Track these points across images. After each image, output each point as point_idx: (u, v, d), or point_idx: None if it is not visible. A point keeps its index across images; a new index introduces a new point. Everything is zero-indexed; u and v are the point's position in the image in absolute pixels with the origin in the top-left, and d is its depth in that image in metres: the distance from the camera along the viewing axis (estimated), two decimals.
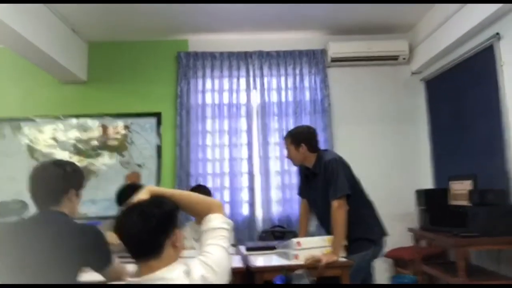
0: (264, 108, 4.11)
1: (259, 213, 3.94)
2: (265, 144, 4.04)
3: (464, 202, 3.00)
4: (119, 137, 4.07)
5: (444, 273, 3.04)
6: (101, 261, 1.55)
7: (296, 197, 3.77)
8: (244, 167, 4.02)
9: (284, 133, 2.71)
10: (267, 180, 3.98)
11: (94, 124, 4.07)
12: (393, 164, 4.13)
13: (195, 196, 1.44)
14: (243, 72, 4.15)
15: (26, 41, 3.08)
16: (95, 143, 4.04)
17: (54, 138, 4.03)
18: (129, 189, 2.28)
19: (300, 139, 2.49)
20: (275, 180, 4.00)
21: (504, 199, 2.83)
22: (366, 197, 2.49)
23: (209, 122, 4.07)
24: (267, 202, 3.94)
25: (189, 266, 1.21)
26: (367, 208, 2.47)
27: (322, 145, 2.69)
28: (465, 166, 3.47)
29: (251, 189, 3.96)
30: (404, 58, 4.18)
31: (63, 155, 3.95)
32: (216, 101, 4.10)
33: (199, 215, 1.41)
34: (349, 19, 3.96)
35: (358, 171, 2.50)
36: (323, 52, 4.20)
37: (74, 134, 4.05)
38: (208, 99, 4.12)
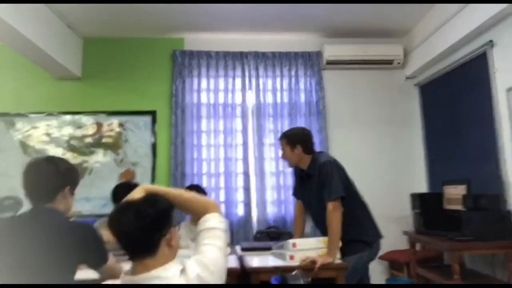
0: (259, 108, 4.11)
1: (254, 214, 3.93)
2: (260, 144, 4.04)
3: (458, 207, 3.03)
4: (114, 134, 4.04)
5: (439, 276, 3.06)
6: (97, 258, 1.54)
7: (291, 198, 3.78)
8: (239, 168, 4.01)
9: (279, 134, 2.71)
10: (262, 180, 3.98)
11: (88, 121, 4.04)
12: (388, 167, 4.16)
13: (191, 195, 1.44)
14: (238, 72, 4.15)
15: (21, 36, 3.06)
16: (89, 140, 4.01)
17: (47, 135, 3.98)
18: (124, 187, 2.27)
19: (296, 140, 2.49)
20: (270, 181, 4.01)
21: (497, 204, 2.86)
22: (361, 199, 2.50)
23: (204, 122, 4.07)
24: (262, 202, 3.94)
25: (184, 265, 1.20)
26: (362, 210, 2.47)
27: (317, 147, 2.69)
28: (459, 170, 3.50)
29: (246, 190, 3.96)
30: (398, 63, 4.22)
31: (57, 151, 3.91)
32: (212, 101, 4.10)
33: (195, 214, 1.40)
34: (345, 22, 3.98)
35: (353, 173, 2.50)
36: (319, 54, 4.22)
37: (68, 131, 4.01)
38: (204, 99, 4.11)
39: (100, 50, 4.18)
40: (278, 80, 4.18)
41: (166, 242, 1.20)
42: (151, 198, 1.26)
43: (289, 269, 1.97)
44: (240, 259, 2.32)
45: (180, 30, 4.10)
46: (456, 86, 3.65)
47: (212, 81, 4.13)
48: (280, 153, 2.62)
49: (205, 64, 4.13)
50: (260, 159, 4.02)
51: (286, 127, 3.91)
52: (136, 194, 1.29)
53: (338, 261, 2.18)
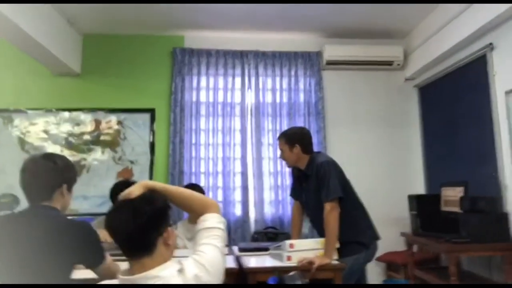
0: (258, 108, 4.11)
1: (252, 214, 3.93)
2: (258, 144, 4.04)
3: (456, 209, 3.03)
4: (112, 132, 4.02)
5: (436, 278, 3.08)
6: (94, 258, 1.53)
7: (289, 198, 3.79)
8: (238, 167, 4.01)
9: (278, 134, 2.71)
10: (260, 180, 3.97)
11: (86, 118, 4.02)
12: (386, 168, 4.16)
13: (191, 193, 1.43)
14: (238, 71, 4.14)
15: (21, 31, 3.04)
16: (87, 137, 3.99)
17: (45, 131, 3.97)
18: (123, 185, 2.25)
19: (294, 139, 2.48)
20: (268, 181, 4.00)
21: (494, 206, 2.87)
22: (358, 200, 2.50)
23: (203, 120, 4.06)
24: (260, 202, 3.93)
25: (182, 265, 1.20)
26: (359, 211, 2.47)
27: (315, 148, 2.69)
28: (457, 172, 3.51)
29: (244, 189, 3.96)
30: (398, 64, 4.22)
31: (55, 148, 3.89)
32: (211, 99, 4.09)
33: (194, 212, 1.40)
34: (346, 23, 3.98)
35: (351, 174, 2.50)
36: (319, 54, 4.22)
37: (66, 127, 3.99)
38: (203, 97, 4.10)
39: (99, 46, 4.16)
40: (277, 79, 4.17)
41: (163, 241, 1.20)
42: (148, 196, 1.25)
43: (287, 269, 1.98)
44: (238, 259, 2.32)
45: (181, 27, 4.09)
46: (455, 88, 3.65)
47: (211, 79, 4.12)
48: (278, 152, 2.62)
49: (205, 62, 4.12)
50: (258, 158, 4.01)
51: (285, 127, 3.91)
52: (135, 190, 1.29)
53: (335, 262, 2.18)
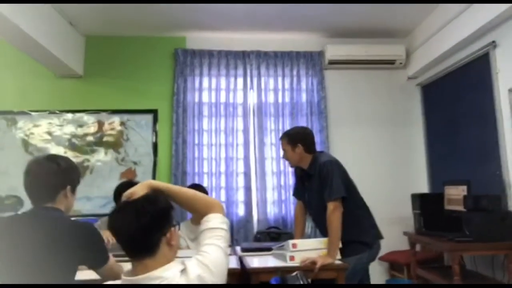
0: (260, 108, 4.11)
1: (254, 214, 3.94)
2: (261, 144, 4.04)
3: (459, 207, 3.02)
4: (115, 133, 4.04)
5: (439, 278, 3.07)
6: (97, 259, 1.54)
7: (292, 198, 3.78)
8: (240, 167, 4.01)
9: (280, 134, 2.71)
10: (263, 180, 3.98)
11: (90, 120, 4.04)
12: (389, 167, 4.16)
13: (195, 193, 1.43)
14: (240, 71, 4.15)
15: (23, 33, 3.05)
16: (90, 139, 4.01)
17: (49, 133, 3.98)
18: (126, 186, 2.25)
19: (297, 139, 2.48)
20: (271, 181, 4.00)
21: (498, 204, 2.86)
22: (361, 200, 2.49)
23: (205, 121, 4.07)
24: (262, 202, 3.94)
25: (185, 265, 1.20)
26: (362, 211, 2.47)
27: (318, 147, 2.69)
28: (460, 171, 3.50)
29: (247, 189, 3.96)
30: (400, 63, 4.21)
31: (58, 150, 3.90)
32: (213, 100, 4.09)
33: (198, 212, 1.40)
34: (347, 22, 3.98)
35: (354, 174, 2.50)
36: (321, 54, 4.21)
37: (69, 129, 4.01)
38: (205, 98, 4.11)
39: (102, 48, 4.18)
40: (279, 79, 4.17)
41: (166, 242, 1.20)
42: (151, 197, 1.25)
43: (289, 270, 1.97)
44: (240, 259, 2.32)
45: (182, 28, 4.09)
46: (458, 86, 3.64)
47: (213, 80, 4.13)
48: (281, 152, 2.62)
49: (207, 63, 4.12)
50: (261, 158, 4.02)
51: (287, 127, 3.91)
52: (139, 190, 1.30)
53: (338, 262, 2.18)
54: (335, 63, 4.14)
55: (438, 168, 3.94)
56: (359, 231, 2.38)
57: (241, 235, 3.82)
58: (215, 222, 1.33)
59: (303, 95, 4.18)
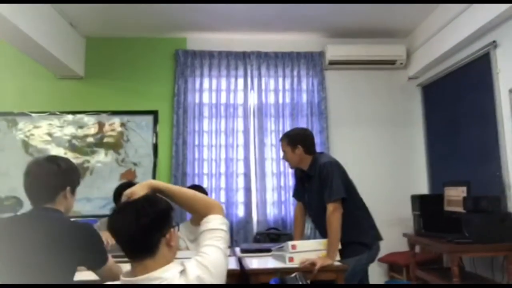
0: (261, 109, 4.11)
1: (254, 215, 3.94)
2: (261, 145, 4.04)
3: (459, 208, 3.01)
4: (115, 134, 4.04)
5: (439, 279, 3.06)
6: (96, 260, 1.54)
7: (291, 199, 3.78)
8: (240, 168, 4.01)
9: (281, 135, 2.71)
10: (262, 181, 3.98)
11: (90, 121, 4.04)
12: (389, 168, 4.15)
13: (195, 194, 1.43)
14: (241, 72, 4.15)
15: (23, 34, 3.05)
16: (90, 140, 4.01)
17: (49, 134, 3.99)
18: (126, 187, 2.25)
19: (297, 140, 2.48)
20: (270, 182, 4.00)
21: (498, 206, 2.85)
22: (361, 201, 2.49)
23: (206, 122, 4.07)
24: (262, 203, 3.94)
25: (185, 266, 1.20)
26: (362, 212, 2.47)
27: (318, 148, 2.69)
28: (460, 172, 3.50)
29: (247, 190, 3.96)
30: (401, 63, 4.21)
31: (58, 151, 3.91)
32: (214, 101, 4.10)
33: (198, 213, 1.40)
34: (348, 23, 3.98)
35: (354, 174, 2.50)
36: (321, 54, 4.21)
37: (69, 130, 4.01)
38: (205, 99, 4.11)
39: (102, 49, 4.18)
40: (280, 80, 4.17)
41: (165, 243, 1.20)
42: (151, 198, 1.26)
43: (289, 271, 1.97)
44: (240, 260, 2.32)
45: (183, 29, 4.10)
46: (458, 87, 3.64)
47: (214, 81, 4.13)
48: (281, 154, 2.62)
49: (208, 64, 4.13)
50: (261, 159, 4.02)
51: (287, 128, 3.91)
52: (139, 190, 1.30)
53: (337, 263, 2.18)
54: (336, 63, 4.14)
55: (438, 169, 3.94)
56: (359, 232, 2.38)
57: (241, 236, 3.82)
58: (215, 223, 1.33)
59: (304, 95, 4.18)
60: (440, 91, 3.92)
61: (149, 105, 4.10)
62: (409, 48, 4.24)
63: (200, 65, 4.12)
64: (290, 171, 3.79)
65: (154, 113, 4.09)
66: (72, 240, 1.47)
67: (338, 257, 2.22)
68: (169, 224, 1.23)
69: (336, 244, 2.22)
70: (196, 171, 3.96)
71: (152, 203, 1.22)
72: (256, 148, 4.05)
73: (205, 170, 3.99)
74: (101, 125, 4.04)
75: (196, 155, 3.99)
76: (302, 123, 4.06)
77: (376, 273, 3.78)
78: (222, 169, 3.98)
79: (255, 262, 2.28)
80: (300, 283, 1.82)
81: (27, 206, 1.60)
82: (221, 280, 1.24)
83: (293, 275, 1.89)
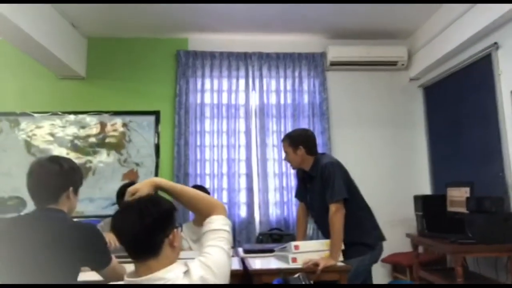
0: (262, 109, 4.11)
1: (256, 215, 3.93)
2: (263, 145, 4.04)
3: (462, 209, 3.01)
4: (117, 134, 4.04)
5: (442, 279, 3.05)
6: (100, 260, 1.54)
7: (294, 200, 3.77)
8: (242, 169, 4.01)
9: (282, 136, 2.71)
10: (265, 182, 3.97)
11: (92, 121, 4.05)
12: (391, 169, 4.15)
13: (198, 193, 1.44)
14: (242, 72, 4.15)
15: (25, 35, 3.06)
16: (93, 140, 4.01)
17: (51, 134, 3.99)
18: (129, 187, 2.26)
19: (298, 141, 2.48)
20: (273, 182, 4.00)
21: (501, 206, 2.84)
22: (363, 201, 2.49)
23: (207, 122, 4.07)
24: (264, 204, 3.93)
25: (188, 266, 1.20)
26: (364, 212, 2.46)
27: (320, 149, 2.68)
28: (463, 172, 3.50)
29: (249, 191, 3.96)
30: (402, 64, 4.21)
31: (60, 151, 3.92)
32: (215, 101, 4.10)
33: (201, 212, 1.40)
34: (349, 24, 3.98)
35: (356, 175, 2.50)
36: (323, 55, 4.21)
37: (72, 130, 4.02)
38: (207, 99, 4.11)
39: (104, 49, 4.19)
40: (281, 81, 4.17)
41: (168, 243, 1.20)
42: (154, 198, 1.26)
43: (292, 271, 1.97)
44: (243, 261, 2.32)
45: (184, 30, 4.10)
46: (460, 88, 3.64)
47: (215, 81, 4.13)
48: (283, 154, 2.62)
49: (209, 65, 4.13)
50: (263, 160, 4.02)
51: (289, 128, 3.92)
52: (143, 187, 1.30)
53: (340, 263, 2.17)
54: (337, 64, 4.15)
55: (441, 170, 3.94)
56: (361, 232, 2.37)
57: (243, 236, 3.82)
58: (218, 224, 1.33)
59: (305, 96, 4.18)
60: (442, 92, 3.92)
61: (151, 105, 4.10)
62: (410, 49, 4.24)
63: (202, 65, 4.12)
64: (292, 172, 3.79)
65: (156, 114, 4.09)
66: (75, 241, 1.47)
67: (341, 258, 2.21)
68: (172, 225, 1.23)
69: (339, 245, 2.21)
70: (198, 171, 3.96)
71: (156, 203, 1.22)
72: (258, 148, 4.04)
73: (207, 171, 3.99)
74: (103, 125, 4.05)
75: (198, 156, 3.99)
76: (304, 124, 4.06)
77: (379, 273, 3.77)
78: (224, 169, 3.98)
79: (258, 263, 2.28)
80: (303, 283, 1.82)
81: (30, 206, 1.60)
82: (224, 280, 1.24)
83: (296, 275, 1.89)
